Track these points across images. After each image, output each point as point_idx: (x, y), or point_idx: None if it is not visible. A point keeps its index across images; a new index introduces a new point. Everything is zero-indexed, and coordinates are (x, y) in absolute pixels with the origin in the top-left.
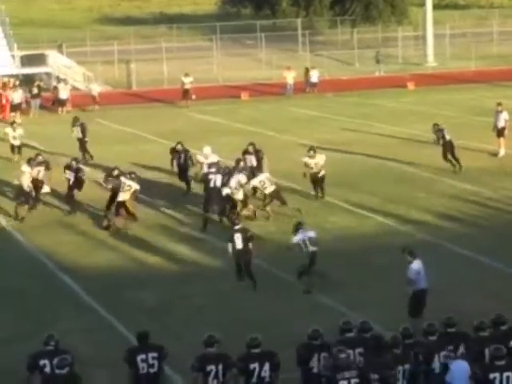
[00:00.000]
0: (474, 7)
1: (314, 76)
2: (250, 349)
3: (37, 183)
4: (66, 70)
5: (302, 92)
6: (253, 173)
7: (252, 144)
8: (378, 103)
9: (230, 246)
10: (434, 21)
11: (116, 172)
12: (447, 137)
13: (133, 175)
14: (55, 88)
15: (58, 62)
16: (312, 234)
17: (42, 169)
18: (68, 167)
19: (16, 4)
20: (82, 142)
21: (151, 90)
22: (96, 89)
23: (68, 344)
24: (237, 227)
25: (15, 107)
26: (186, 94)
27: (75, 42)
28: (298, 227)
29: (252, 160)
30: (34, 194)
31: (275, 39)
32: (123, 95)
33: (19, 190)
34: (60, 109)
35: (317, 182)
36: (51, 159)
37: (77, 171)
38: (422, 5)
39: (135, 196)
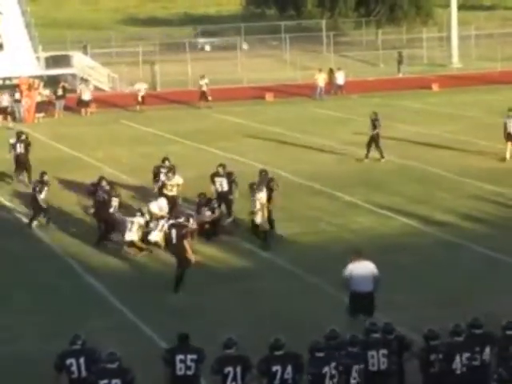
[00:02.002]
0: (500, 8)
1: (340, 78)
2: (272, 350)
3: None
4: (91, 71)
5: (327, 93)
6: (224, 198)
7: (222, 165)
8: (403, 104)
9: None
10: (459, 22)
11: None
12: (376, 129)
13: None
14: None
15: (82, 64)
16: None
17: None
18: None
19: (44, 5)
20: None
21: (175, 91)
22: (143, 89)
23: (93, 343)
24: (172, 221)
25: (1, 110)
26: (202, 95)
27: (100, 43)
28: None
29: (223, 183)
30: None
31: (300, 40)
32: (147, 96)
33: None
34: (83, 110)
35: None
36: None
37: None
38: (447, 6)
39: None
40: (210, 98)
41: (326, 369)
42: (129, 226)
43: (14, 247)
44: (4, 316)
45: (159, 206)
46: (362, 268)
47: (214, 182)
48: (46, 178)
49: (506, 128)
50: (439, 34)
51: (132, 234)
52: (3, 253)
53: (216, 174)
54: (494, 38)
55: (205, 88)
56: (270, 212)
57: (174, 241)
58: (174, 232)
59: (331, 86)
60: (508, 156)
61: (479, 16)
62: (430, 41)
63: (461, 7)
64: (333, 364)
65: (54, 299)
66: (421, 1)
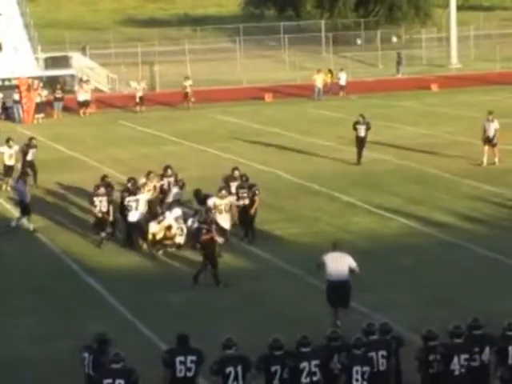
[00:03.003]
0: (499, 9)
1: (343, 78)
2: (272, 350)
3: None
4: (90, 72)
5: (325, 94)
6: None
7: (236, 168)
8: (402, 105)
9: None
10: (458, 22)
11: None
12: (362, 133)
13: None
14: None
15: (81, 64)
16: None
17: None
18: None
19: (43, 6)
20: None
21: (175, 92)
22: (142, 89)
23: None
24: (199, 223)
25: None
26: (186, 96)
27: (99, 44)
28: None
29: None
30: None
31: (299, 41)
32: (145, 97)
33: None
34: (81, 111)
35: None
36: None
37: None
38: (446, 6)
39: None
40: (193, 99)
41: (305, 364)
42: (134, 205)
43: (13, 247)
44: (3, 316)
45: (175, 214)
46: (337, 258)
47: (229, 187)
48: (108, 180)
49: (484, 131)
50: (438, 35)
51: (137, 214)
52: (3, 253)
53: (231, 179)
54: (493, 38)
55: (188, 89)
56: (250, 215)
57: (202, 242)
58: (195, 221)
59: (330, 87)
60: (485, 161)
61: (478, 16)
62: (428, 41)
63: (460, 8)
64: (314, 362)
65: (53, 299)
66: (420, 1)
